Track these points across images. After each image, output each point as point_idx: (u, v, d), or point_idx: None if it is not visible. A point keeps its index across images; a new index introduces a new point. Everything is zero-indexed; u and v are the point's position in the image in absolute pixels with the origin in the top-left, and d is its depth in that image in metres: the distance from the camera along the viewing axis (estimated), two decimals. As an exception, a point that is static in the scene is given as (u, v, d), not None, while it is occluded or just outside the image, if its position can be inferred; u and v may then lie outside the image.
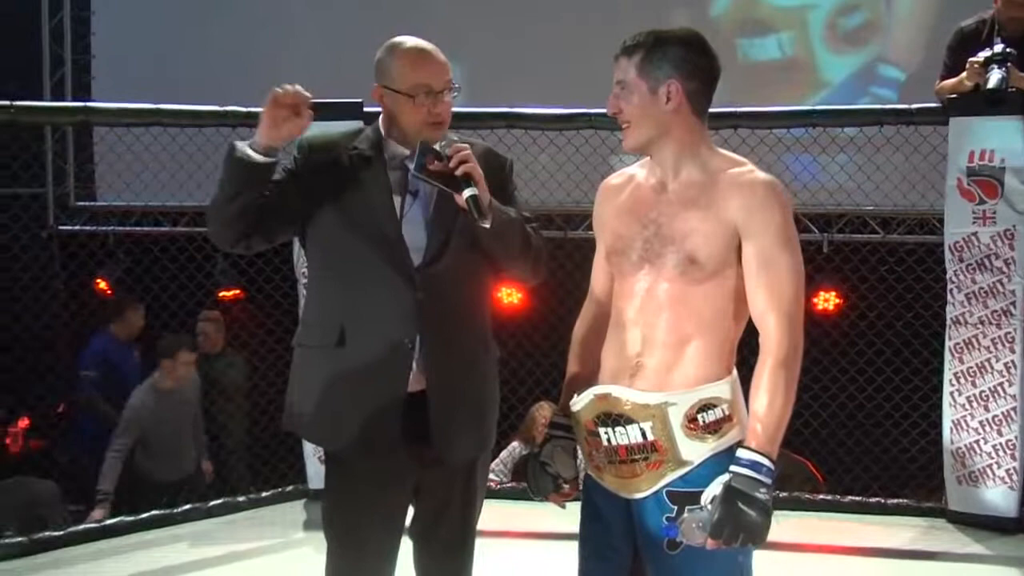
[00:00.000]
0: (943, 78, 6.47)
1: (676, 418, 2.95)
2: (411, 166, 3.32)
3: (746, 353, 3.06)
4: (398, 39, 3.47)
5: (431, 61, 3.43)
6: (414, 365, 3.41)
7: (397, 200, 3.44)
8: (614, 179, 3.28)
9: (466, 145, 3.35)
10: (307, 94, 3.38)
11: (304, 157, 3.48)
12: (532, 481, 3.27)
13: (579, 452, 3.26)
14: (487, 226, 3.29)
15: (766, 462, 2.83)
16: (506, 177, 3.61)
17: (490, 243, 3.43)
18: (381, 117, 3.53)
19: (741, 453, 2.86)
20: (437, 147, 3.30)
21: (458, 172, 3.27)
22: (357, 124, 3.74)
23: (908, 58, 9.04)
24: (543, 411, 7.34)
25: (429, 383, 3.43)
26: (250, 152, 3.35)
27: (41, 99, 9.74)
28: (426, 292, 3.40)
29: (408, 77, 3.39)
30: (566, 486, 3.24)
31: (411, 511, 3.64)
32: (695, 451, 2.96)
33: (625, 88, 3.02)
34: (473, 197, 3.26)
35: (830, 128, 7.27)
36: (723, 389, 2.98)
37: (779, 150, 7.01)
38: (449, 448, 3.48)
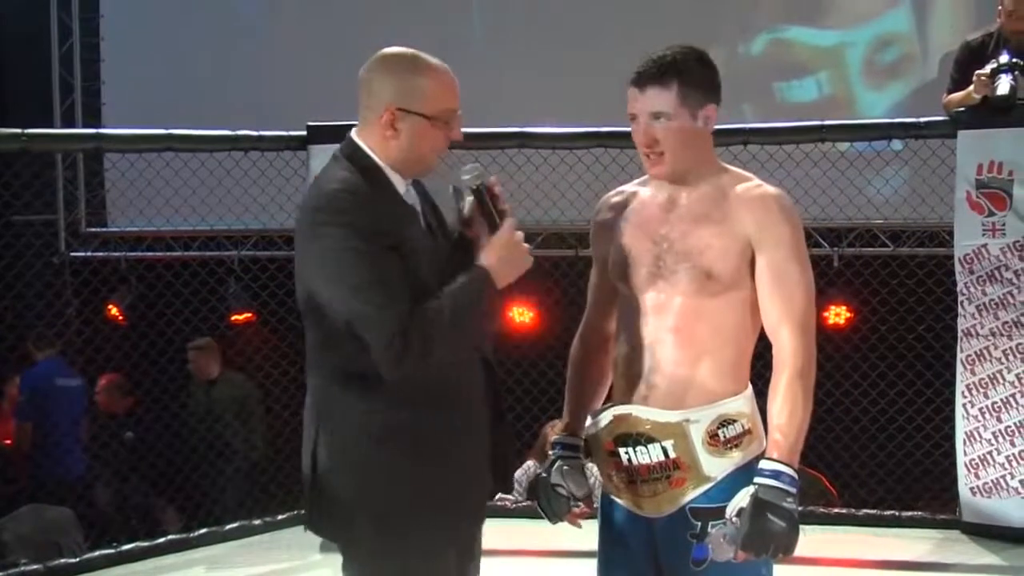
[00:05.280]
0: (951, 92, 6.49)
1: (697, 435, 2.97)
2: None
3: (760, 367, 3.07)
4: (407, 52, 3.05)
5: (454, 80, 3.05)
6: None
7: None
8: (614, 196, 3.29)
9: (494, 177, 3.11)
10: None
11: (374, 223, 2.91)
12: (546, 505, 3.26)
13: (592, 472, 3.27)
14: None
15: (789, 471, 2.85)
16: None
17: None
18: (374, 142, 3.03)
19: (764, 464, 2.88)
20: (477, 183, 3.06)
21: (500, 208, 3.08)
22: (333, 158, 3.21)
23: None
24: (556, 429, 7.34)
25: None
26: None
27: (51, 126, 9.79)
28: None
29: (441, 100, 3.01)
30: (580, 505, 3.24)
31: None
32: (717, 467, 2.98)
33: (663, 117, 3.00)
34: None
35: (839, 143, 7.29)
36: (741, 404, 3.01)
37: (789, 165, 7.01)
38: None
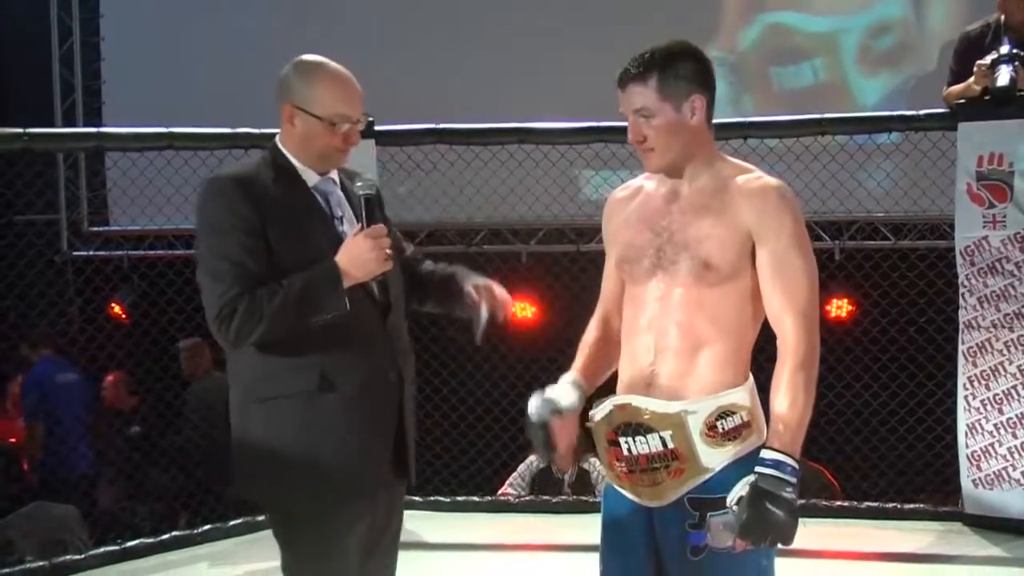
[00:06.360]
0: (950, 84, 6.49)
1: (695, 426, 2.97)
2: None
3: (762, 360, 3.08)
4: (315, 59, 3.39)
5: (353, 90, 3.37)
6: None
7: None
8: (621, 191, 3.31)
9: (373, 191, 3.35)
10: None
11: (249, 209, 3.23)
12: (533, 411, 3.19)
13: (595, 466, 3.29)
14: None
15: (790, 461, 2.87)
16: None
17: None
18: (283, 137, 3.40)
19: (765, 454, 2.89)
20: (360, 193, 3.31)
21: (373, 217, 3.32)
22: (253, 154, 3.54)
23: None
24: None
25: (402, 413, 3.43)
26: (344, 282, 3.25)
27: (52, 126, 9.81)
28: (391, 321, 3.42)
29: (330, 104, 3.32)
30: (561, 415, 3.16)
31: None
32: (715, 458, 2.98)
33: (648, 114, 3.03)
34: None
35: (839, 136, 7.29)
36: (741, 396, 3.01)
37: (789, 159, 7.02)
38: (411, 475, 3.51)
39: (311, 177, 3.37)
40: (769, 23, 9.67)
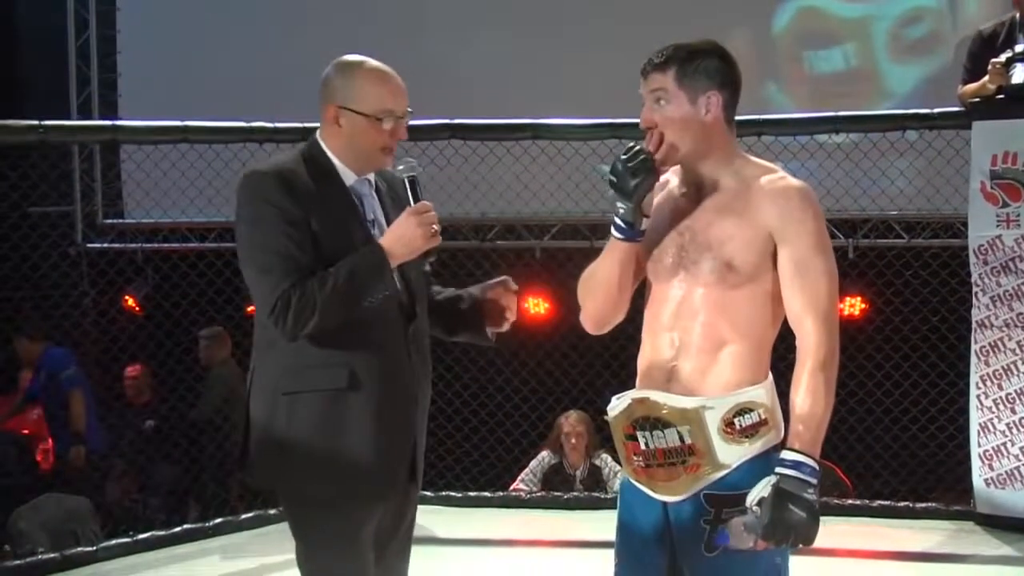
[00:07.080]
0: (965, 83, 6.48)
1: (713, 422, 2.97)
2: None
3: (774, 359, 3.08)
4: (356, 58, 3.39)
5: (396, 85, 3.36)
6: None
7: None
8: None
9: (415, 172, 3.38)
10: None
11: (291, 201, 3.23)
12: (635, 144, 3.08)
13: (607, 462, 3.29)
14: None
15: (810, 462, 2.87)
16: None
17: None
18: (326, 136, 3.37)
19: (785, 454, 2.89)
20: (405, 175, 3.34)
21: (418, 196, 3.35)
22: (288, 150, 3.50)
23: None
24: (569, 420, 7.36)
25: (416, 420, 3.44)
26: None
27: (68, 118, 9.80)
28: (415, 328, 3.42)
29: (375, 100, 3.31)
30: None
31: None
32: (732, 454, 2.98)
33: (663, 98, 3.03)
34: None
35: (853, 133, 7.29)
36: (759, 393, 3.01)
37: (803, 156, 7.02)
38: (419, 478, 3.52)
39: (349, 177, 3.36)
40: (802, 6, 9.59)
